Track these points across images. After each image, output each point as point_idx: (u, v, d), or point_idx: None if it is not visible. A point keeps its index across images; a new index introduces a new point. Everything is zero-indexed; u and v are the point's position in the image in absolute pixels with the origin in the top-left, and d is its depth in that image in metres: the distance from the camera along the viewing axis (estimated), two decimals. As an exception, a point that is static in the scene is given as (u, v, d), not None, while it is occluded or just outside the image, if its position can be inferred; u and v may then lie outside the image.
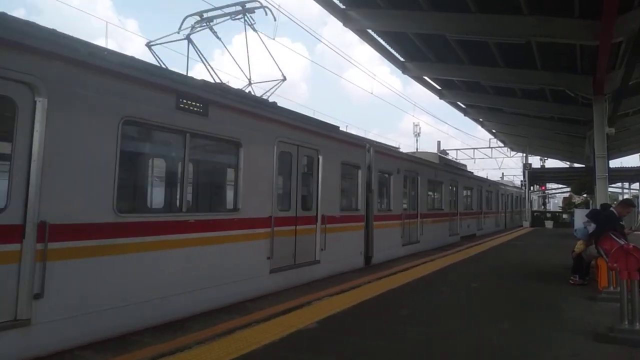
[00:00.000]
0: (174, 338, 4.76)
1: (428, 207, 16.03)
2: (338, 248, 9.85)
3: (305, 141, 8.89)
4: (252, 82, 8.81)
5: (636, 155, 37.36)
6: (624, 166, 37.73)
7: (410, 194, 14.48)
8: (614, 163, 35.80)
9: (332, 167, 9.79)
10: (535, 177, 38.42)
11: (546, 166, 45.57)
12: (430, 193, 16.71)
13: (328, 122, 10.74)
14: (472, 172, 27.04)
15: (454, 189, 19.33)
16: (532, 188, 38.49)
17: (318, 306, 6.15)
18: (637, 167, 36.39)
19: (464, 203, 21.05)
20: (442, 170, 17.92)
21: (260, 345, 4.44)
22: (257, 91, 9.51)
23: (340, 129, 11.12)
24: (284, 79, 9.02)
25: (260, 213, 7.62)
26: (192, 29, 8.52)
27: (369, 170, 11.54)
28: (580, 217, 14.81)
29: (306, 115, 9.89)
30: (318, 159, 9.31)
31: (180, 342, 4.52)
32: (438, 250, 14.57)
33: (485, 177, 32.92)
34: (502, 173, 48.18)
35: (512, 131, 30.86)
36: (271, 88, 9.03)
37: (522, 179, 36.28)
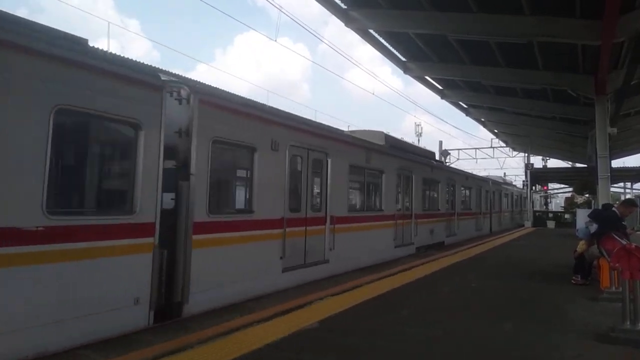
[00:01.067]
0: (176, 337, 4.77)
1: (349, 207, 10.99)
2: (40, 300, 4.55)
3: None
4: None
5: (639, 155, 37.44)
6: (626, 166, 37.82)
7: (307, 186, 9.33)
8: (616, 163, 35.67)
9: (19, 120, 4.44)
10: (538, 177, 38.48)
11: (548, 166, 45.61)
12: (356, 186, 11.79)
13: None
14: (443, 162, 22.19)
15: (407, 182, 14.11)
16: (534, 188, 38.47)
17: (319, 306, 6.15)
18: (639, 167, 36.38)
19: (423, 201, 15.53)
20: (381, 154, 12.48)
21: (262, 344, 4.45)
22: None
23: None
24: None
25: None
26: None
27: (186, 136, 6.35)
28: (582, 217, 14.84)
29: None
30: None
31: (182, 341, 4.53)
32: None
33: (487, 175, 32.75)
34: (504, 173, 48.08)
35: (514, 131, 30.86)
36: None
37: (524, 178, 36.32)
